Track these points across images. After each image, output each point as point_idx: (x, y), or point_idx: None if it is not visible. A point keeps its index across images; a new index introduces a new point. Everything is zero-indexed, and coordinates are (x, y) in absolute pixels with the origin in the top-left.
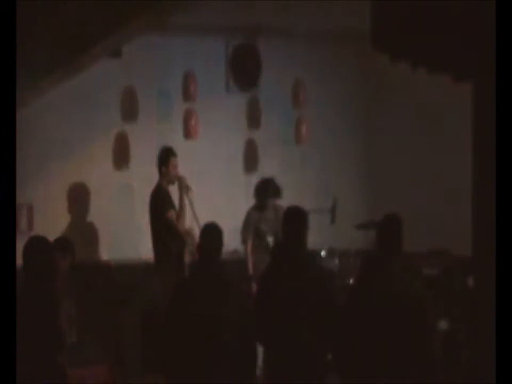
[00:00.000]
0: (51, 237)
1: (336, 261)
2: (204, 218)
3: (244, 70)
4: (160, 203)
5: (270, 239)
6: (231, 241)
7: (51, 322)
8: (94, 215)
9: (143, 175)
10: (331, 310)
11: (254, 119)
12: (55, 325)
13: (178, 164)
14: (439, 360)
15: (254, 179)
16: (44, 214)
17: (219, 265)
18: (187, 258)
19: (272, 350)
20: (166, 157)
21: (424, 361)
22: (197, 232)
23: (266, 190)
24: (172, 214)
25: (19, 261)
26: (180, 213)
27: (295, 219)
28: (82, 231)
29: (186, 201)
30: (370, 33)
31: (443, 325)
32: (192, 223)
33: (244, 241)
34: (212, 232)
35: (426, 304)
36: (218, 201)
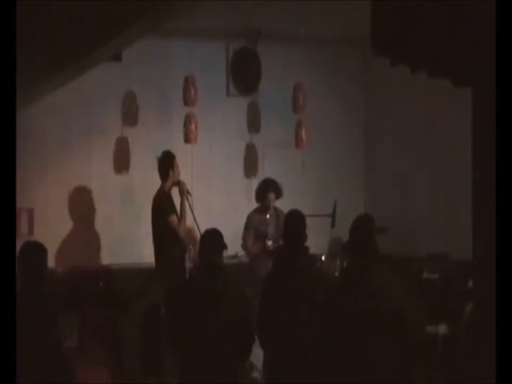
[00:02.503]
0: (51, 241)
1: (337, 265)
2: (204, 223)
3: (244, 75)
4: (162, 207)
5: (269, 242)
6: (232, 246)
7: (47, 325)
8: (95, 219)
9: (144, 179)
10: (331, 312)
11: (254, 124)
12: (52, 327)
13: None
14: (439, 363)
15: (254, 183)
16: (44, 218)
17: (220, 270)
18: (188, 263)
19: (272, 352)
20: (172, 160)
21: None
22: (197, 237)
23: (266, 188)
24: (173, 219)
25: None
26: (181, 218)
27: (295, 223)
28: (83, 235)
29: (186, 206)
30: (371, 38)
31: (443, 328)
32: (193, 228)
33: (244, 243)
34: (212, 237)
35: (405, 305)
36: (218, 205)
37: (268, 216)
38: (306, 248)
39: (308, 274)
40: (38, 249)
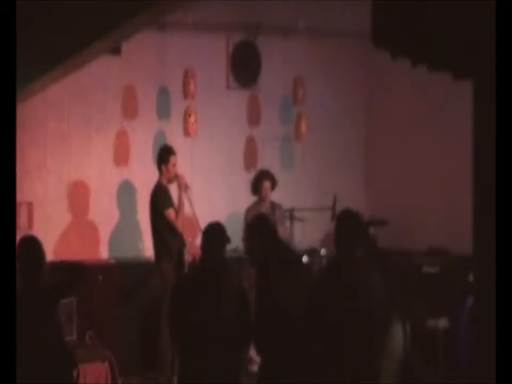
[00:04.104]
0: (50, 235)
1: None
2: (204, 217)
3: (244, 67)
4: (159, 201)
5: None
6: (232, 239)
7: (47, 320)
8: (94, 213)
9: (143, 172)
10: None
11: (254, 117)
12: (52, 322)
13: (177, 162)
14: (439, 359)
15: (253, 178)
16: (44, 212)
17: (222, 264)
18: (187, 257)
19: (267, 354)
20: (165, 155)
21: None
22: (196, 230)
23: (261, 178)
24: (170, 213)
25: None
26: (178, 212)
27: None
28: (82, 229)
29: (185, 200)
30: (371, 31)
31: (443, 323)
32: (192, 221)
33: (244, 236)
34: (215, 231)
35: (384, 301)
36: (218, 199)
37: (263, 209)
38: (286, 245)
39: (295, 271)
40: (34, 245)
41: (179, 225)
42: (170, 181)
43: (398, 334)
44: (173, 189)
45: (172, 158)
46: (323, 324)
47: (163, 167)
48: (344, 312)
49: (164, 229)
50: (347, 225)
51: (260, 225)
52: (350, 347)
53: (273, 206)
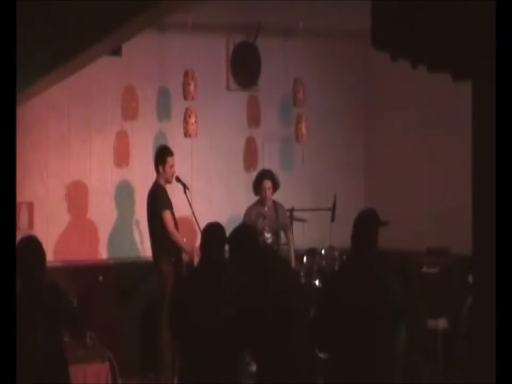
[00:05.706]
0: (51, 235)
1: (336, 258)
2: (204, 217)
3: (244, 69)
4: (157, 202)
5: (268, 235)
6: None
7: (48, 321)
8: (94, 213)
9: (143, 173)
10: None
11: (254, 118)
12: (52, 322)
13: (175, 162)
14: (439, 359)
15: (254, 177)
16: (44, 213)
17: (221, 265)
18: (186, 257)
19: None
20: (162, 156)
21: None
22: (196, 230)
23: (262, 177)
24: (167, 214)
25: None
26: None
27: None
28: (81, 229)
29: (185, 201)
30: (370, 32)
31: (443, 323)
32: (191, 221)
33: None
34: (214, 232)
35: (399, 302)
36: (218, 199)
37: (266, 209)
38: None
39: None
40: (34, 244)
41: (172, 228)
42: (168, 181)
43: (402, 333)
44: (170, 190)
45: (169, 159)
46: (335, 320)
47: (160, 168)
48: (358, 310)
49: (161, 229)
50: (367, 225)
51: (238, 235)
52: (362, 346)
53: (276, 206)
